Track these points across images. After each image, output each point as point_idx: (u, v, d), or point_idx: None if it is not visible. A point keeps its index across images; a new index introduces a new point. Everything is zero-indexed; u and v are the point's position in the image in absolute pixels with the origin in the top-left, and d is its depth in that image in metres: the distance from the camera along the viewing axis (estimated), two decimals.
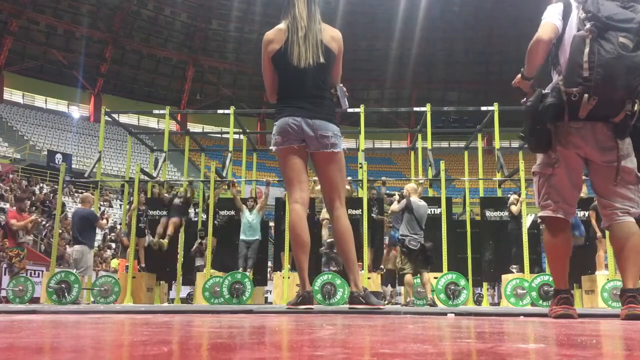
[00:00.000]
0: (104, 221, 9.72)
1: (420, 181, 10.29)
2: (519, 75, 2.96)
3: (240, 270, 9.17)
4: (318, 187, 10.45)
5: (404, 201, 7.72)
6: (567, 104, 2.74)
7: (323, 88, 3.58)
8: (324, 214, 9.57)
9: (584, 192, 8.15)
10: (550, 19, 2.85)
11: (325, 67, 3.53)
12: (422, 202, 7.91)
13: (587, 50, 2.67)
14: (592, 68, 2.65)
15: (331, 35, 3.60)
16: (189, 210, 10.99)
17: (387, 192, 10.81)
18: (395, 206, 8.04)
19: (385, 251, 10.46)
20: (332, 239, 9.74)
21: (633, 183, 2.84)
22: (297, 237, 3.56)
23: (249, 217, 9.61)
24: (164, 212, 10.24)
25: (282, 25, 3.57)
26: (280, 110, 3.57)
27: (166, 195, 10.48)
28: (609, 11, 2.70)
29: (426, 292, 7.57)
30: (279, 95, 3.65)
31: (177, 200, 10.23)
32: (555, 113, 2.77)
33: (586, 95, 2.67)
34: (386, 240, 10.60)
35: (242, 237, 9.55)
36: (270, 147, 3.68)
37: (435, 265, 8.44)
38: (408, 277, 7.65)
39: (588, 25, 2.69)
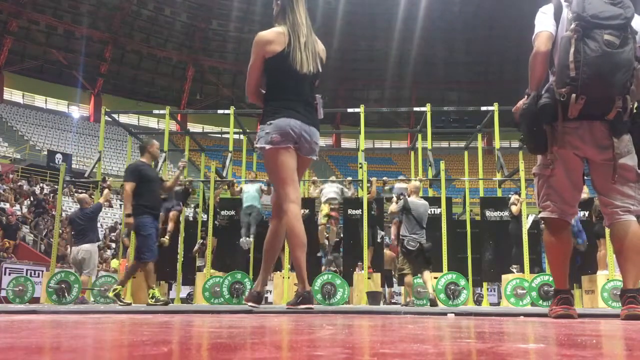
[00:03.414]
0: (106, 191, 9.58)
1: (417, 182, 10.28)
2: (523, 99, 2.91)
3: (243, 238, 9.24)
4: (318, 189, 10.46)
5: (401, 202, 7.71)
6: (560, 105, 2.75)
7: (313, 96, 3.69)
8: (321, 219, 9.59)
9: (586, 191, 8.14)
10: (544, 27, 2.87)
11: (317, 76, 3.68)
12: (422, 201, 7.88)
13: (572, 50, 2.69)
14: (577, 67, 2.67)
15: (322, 48, 3.76)
16: (188, 203, 11.00)
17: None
18: (393, 207, 8.04)
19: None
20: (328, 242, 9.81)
21: (633, 181, 2.84)
22: (294, 236, 3.59)
23: (250, 190, 9.80)
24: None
25: (280, 29, 3.58)
26: (277, 111, 3.56)
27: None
28: (595, 9, 2.72)
29: (427, 290, 7.55)
30: (272, 96, 3.64)
31: (176, 188, 10.22)
32: (550, 113, 2.78)
33: (574, 95, 2.69)
34: (387, 240, 10.62)
35: (243, 205, 9.70)
36: (261, 145, 3.57)
37: (435, 265, 8.43)
38: (408, 278, 7.65)
39: (573, 25, 2.72)
